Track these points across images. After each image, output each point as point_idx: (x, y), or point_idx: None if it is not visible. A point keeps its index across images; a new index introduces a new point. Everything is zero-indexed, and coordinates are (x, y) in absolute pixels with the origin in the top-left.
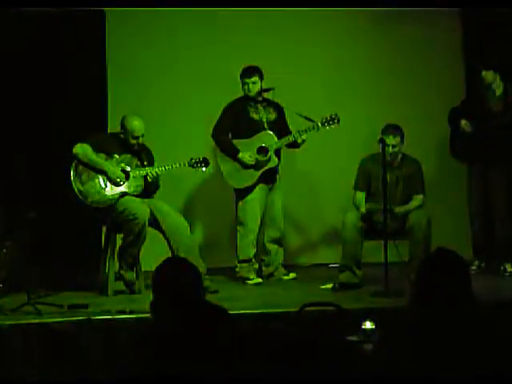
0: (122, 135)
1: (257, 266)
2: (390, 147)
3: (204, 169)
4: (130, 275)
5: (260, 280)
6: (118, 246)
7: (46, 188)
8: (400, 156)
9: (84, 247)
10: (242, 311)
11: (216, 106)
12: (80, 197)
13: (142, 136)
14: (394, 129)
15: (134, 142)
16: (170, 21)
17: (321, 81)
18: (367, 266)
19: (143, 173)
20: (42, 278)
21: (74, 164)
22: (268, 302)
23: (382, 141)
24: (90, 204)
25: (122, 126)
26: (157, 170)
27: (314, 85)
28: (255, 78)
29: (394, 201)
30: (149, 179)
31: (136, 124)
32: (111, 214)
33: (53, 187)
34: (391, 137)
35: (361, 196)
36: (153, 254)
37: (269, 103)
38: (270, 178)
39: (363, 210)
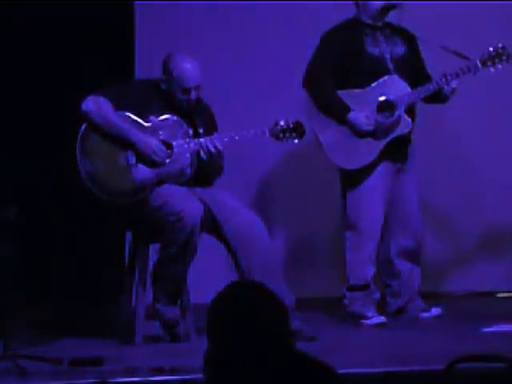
0: (163, 85)
1: (378, 295)
2: None
3: (296, 140)
4: (170, 311)
5: (383, 319)
6: (151, 265)
7: (35, 171)
8: None
9: (96, 266)
10: (356, 370)
11: (305, 37)
12: (89, 184)
13: (198, 88)
14: None
15: (184, 97)
16: None
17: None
18: None
19: (196, 146)
20: (29, 317)
21: (82, 129)
22: (397, 355)
23: None
24: (105, 195)
25: (166, 70)
26: (219, 141)
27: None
28: None
29: None
30: (205, 156)
31: (188, 68)
32: (141, 212)
33: (45, 170)
34: None
35: None
36: (208, 276)
37: (394, 31)
38: (399, 152)
39: None
